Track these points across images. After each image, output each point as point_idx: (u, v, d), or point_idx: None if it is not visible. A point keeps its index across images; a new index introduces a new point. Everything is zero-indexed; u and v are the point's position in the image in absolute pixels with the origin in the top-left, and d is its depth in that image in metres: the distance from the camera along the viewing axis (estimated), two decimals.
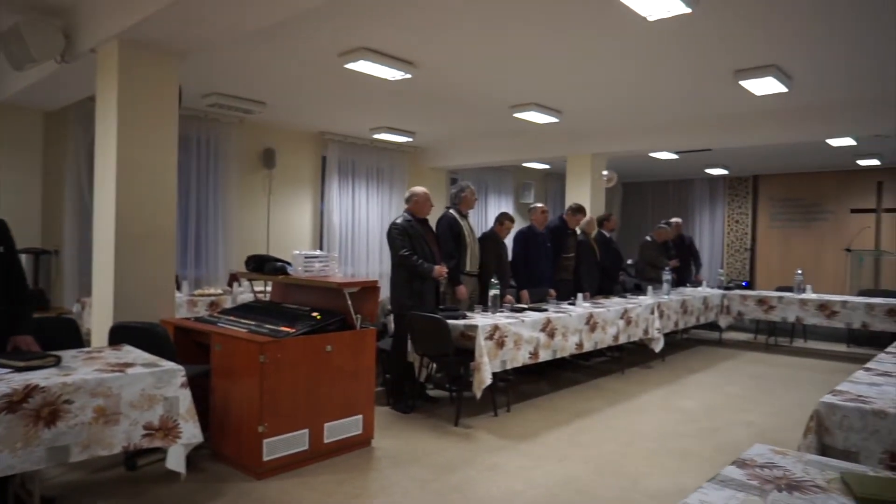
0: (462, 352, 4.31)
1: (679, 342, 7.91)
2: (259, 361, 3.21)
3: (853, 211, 10.66)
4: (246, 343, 3.36)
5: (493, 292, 4.93)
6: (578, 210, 6.49)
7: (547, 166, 10.91)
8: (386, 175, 9.15)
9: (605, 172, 8.53)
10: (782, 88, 5.47)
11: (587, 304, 5.71)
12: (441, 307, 4.73)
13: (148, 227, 4.01)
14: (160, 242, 4.09)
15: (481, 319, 4.49)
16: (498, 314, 4.78)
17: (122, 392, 2.57)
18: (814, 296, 7.25)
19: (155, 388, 2.67)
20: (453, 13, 4.06)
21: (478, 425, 4.33)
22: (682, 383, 5.78)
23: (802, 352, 7.61)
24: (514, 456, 3.74)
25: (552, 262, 6.15)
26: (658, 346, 6.31)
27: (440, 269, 4.60)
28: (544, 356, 4.86)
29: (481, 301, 5.18)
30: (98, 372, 2.59)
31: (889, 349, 3.47)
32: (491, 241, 5.56)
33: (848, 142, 7.61)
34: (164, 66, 4.04)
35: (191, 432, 2.77)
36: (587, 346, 5.34)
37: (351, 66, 5.00)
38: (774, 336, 8.16)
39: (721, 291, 7.94)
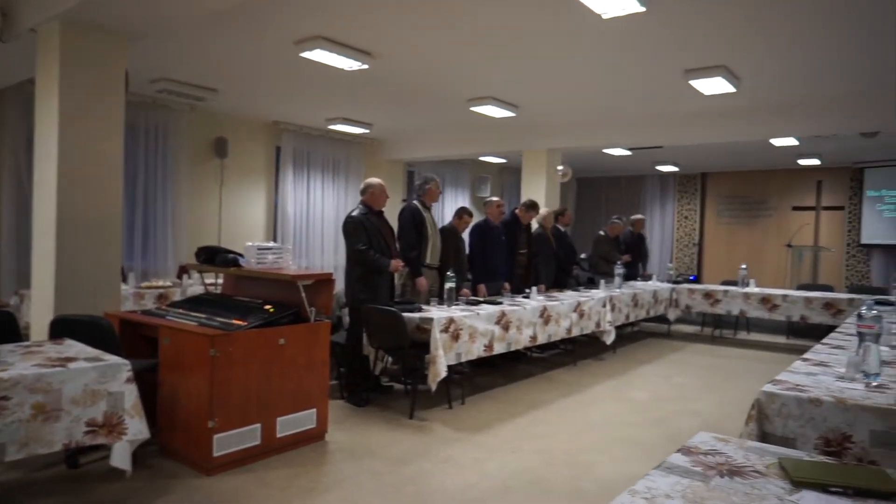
0: (417, 345, 4.31)
1: (630, 335, 8.11)
2: (209, 355, 3.14)
3: (794, 209, 11.15)
4: (196, 336, 3.27)
5: (448, 285, 4.95)
6: (532, 207, 6.50)
7: (503, 160, 10.99)
8: (342, 167, 9.05)
9: (560, 167, 8.64)
10: (730, 89, 5.65)
11: (541, 298, 5.80)
12: (396, 300, 4.72)
13: (92, 212, 3.84)
14: (105, 229, 3.91)
15: (437, 312, 4.51)
16: (453, 307, 4.80)
17: (64, 388, 2.48)
18: (756, 290, 7.54)
19: (98, 383, 2.58)
20: (411, 4, 4.03)
21: (433, 418, 4.34)
22: (633, 374, 5.94)
23: (746, 343, 7.91)
24: (468, 448, 3.77)
25: (507, 256, 6.21)
26: (610, 339, 6.45)
27: (396, 264, 4.58)
28: (499, 349, 4.91)
29: (440, 294, 5.20)
30: (37, 367, 2.48)
31: (825, 340, 3.64)
32: (450, 234, 5.58)
33: (791, 142, 7.93)
34: (110, 48, 3.88)
35: (137, 428, 2.69)
36: (541, 339, 5.42)
37: (307, 54, 4.92)
38: (720, 328, 8.45)
39: (670, 285, 8.17)
